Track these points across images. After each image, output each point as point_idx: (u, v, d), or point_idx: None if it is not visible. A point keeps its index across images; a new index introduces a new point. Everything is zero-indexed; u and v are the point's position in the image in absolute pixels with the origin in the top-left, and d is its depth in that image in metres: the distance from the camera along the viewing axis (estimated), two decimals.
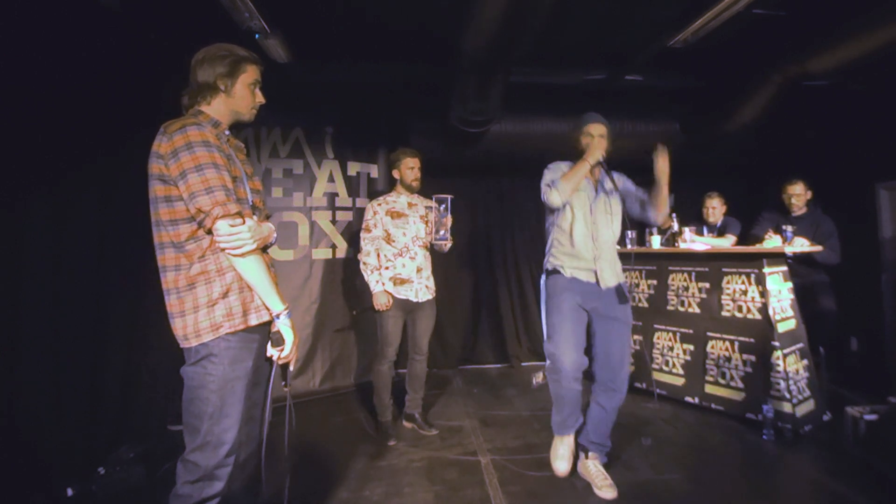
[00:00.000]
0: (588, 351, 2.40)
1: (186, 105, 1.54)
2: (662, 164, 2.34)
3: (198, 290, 1.43)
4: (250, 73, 1.57)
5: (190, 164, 1.37)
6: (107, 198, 2.68)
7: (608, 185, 2.46)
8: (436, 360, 4.42)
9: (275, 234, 1.59)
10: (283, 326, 1.51)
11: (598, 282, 2.39)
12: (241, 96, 1.56)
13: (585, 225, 2.42)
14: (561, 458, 2.45)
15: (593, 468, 2.36)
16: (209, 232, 1.41)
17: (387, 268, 2.94)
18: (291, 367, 1.58)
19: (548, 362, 2.41)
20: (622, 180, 2.51)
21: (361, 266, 2.95)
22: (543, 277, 2.54)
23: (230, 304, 1.44)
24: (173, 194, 1.41)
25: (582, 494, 2.28)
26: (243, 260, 1.44)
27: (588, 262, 2.40)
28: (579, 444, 2.48)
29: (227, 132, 1.56)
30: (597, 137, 2.42)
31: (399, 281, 2.94)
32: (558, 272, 2.44)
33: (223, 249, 1.43)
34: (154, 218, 1.45)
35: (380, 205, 3.01)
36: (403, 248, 2.96)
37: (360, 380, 3.98)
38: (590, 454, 2.42)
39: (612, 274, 2.42)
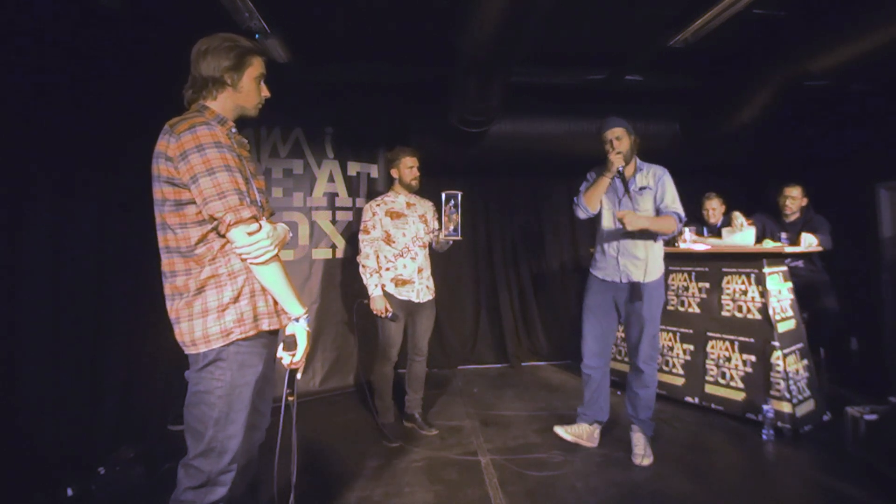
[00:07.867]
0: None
1: (190, 99, 1.46)
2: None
3: (207, 295, 1.36)
4: (256, 66, 1.49)
5: (201, 167, 1.30)
6: (107, 198, 2.68)
7: (637, 183, 2.59)
8: (436, 360, 4.42)
9: (290, 234, 1.52)
10: (300, 330, 1.45)
11: (621, 277, 2.60)
12: (247, 91, 1.48)
13: (612, 223, 2.61)
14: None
15: (633, 438, 2.64)
16: (223, 236, 1.35)
17: (387, 269, 2.92)
18: (299, 375, 1.50)
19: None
20: (652, 180, 2.60)
21: (360, 269, 2.91)
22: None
23: (241, 310, 1.38)
24: (183, 197, 1.33)
25: (581, 494, 2.28)
26: (264, 267, 1.37)
27: (612, 258, 2.63)
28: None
29: (233, 129, 1.48)
30: (613, 141, 2.55)
31: (400, 282, 2.92)
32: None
33: (243, 259, 1.37)
34: (160, 220, 1.38)
35: (378, 205, 2.97)
36: (404, 249, 2.94)
37: (360, 380, 3.98)
38: (632, 426, 2.69)
39: (637, 270, 2.57)
